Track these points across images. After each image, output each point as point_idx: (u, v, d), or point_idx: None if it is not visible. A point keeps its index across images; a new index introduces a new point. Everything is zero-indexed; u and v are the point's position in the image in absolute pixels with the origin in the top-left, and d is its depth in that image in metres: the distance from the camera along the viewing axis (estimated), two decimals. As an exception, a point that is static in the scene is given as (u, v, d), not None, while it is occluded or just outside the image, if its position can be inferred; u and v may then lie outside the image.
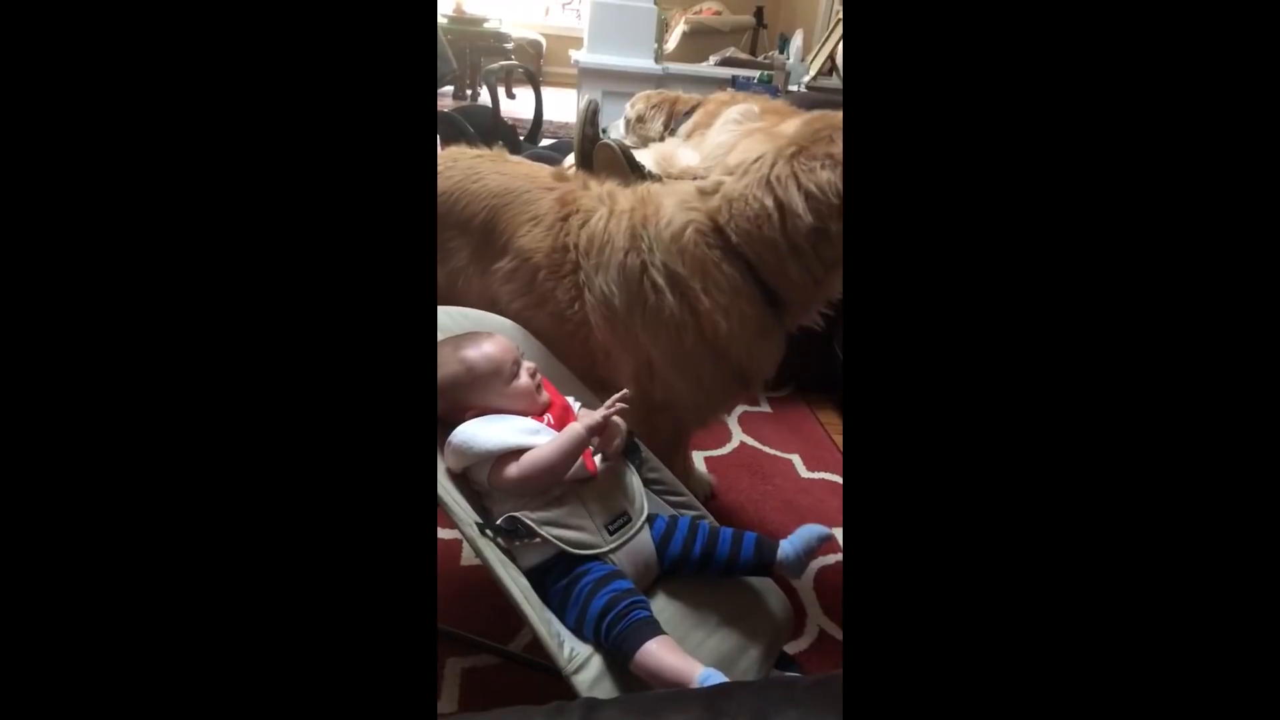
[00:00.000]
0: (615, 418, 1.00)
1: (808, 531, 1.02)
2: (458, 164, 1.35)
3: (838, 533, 1.50)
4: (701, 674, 0.82)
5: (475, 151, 1.39)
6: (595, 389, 1.20)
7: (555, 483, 0.95)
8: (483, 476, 0.96)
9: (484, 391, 0.99)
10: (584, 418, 0.99)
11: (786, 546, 1.01)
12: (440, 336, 1.08)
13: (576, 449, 0.96)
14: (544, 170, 1.34)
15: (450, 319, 1.13)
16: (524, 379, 1.02)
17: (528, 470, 0.94)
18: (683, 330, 1.15)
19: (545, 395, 1.04)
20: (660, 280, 1.14)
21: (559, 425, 1.02)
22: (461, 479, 0.98)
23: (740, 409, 1.97)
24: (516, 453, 0.94)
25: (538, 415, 1.02)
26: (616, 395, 1.01)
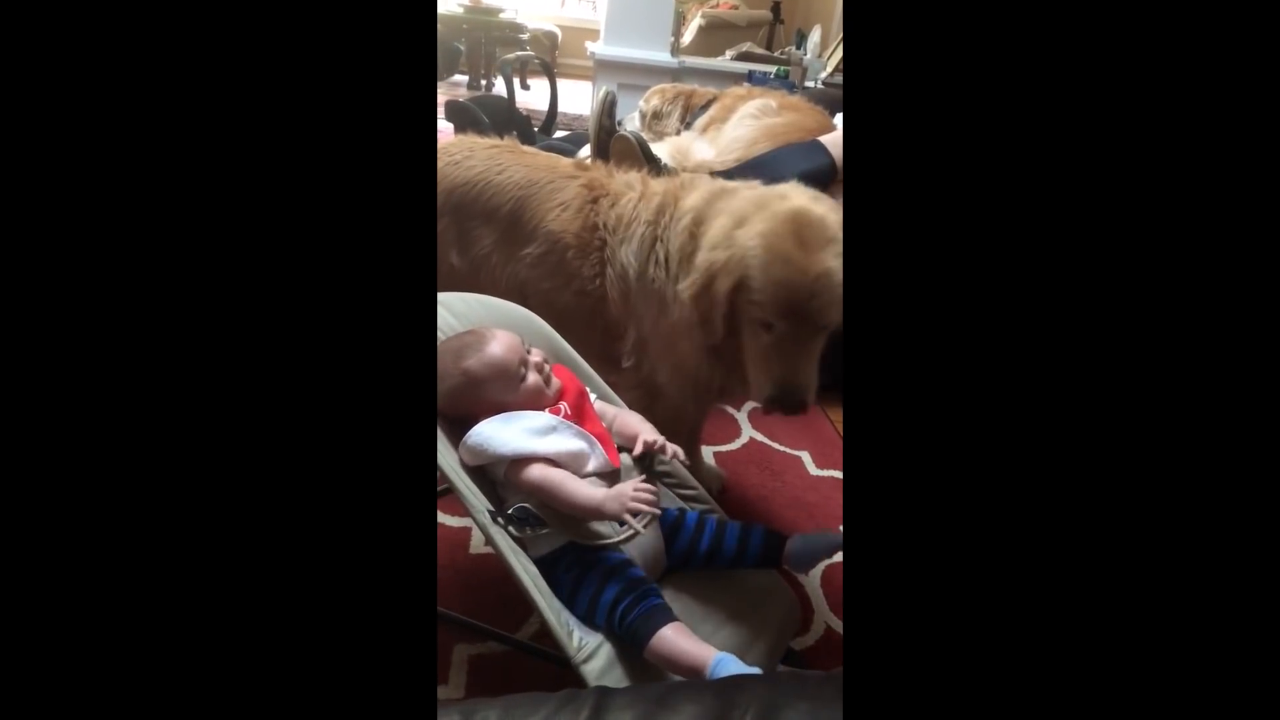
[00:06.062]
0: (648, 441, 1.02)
1: (823, 537, 1.03)
2: (475, 154, 1.36)
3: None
4: (715, 658, 0.82)
5: (490, 141, 1.41)
6: (609, 366, 1.26)
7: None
8: (499, 471, 0.97)
9: (489, 394, 0.99)
10: (625, 486, 0.94)
11: (798, 541, 1.01)
12: (454, 323, 1.09)
13: (599, 516, 0.94)
14: (564, 160, 1.38)
15: (466, 305, 1.13)
16: (531, 378, 1.00)
17: (547, 490, 0.93)
18: (667, 307, 1.23)
19: (556, 383, 1.04)
20: (661, 254, 1.23)
21: (575, 413, 1.02)
22: (476, 468, 0.98)
23: (750, 405, 1.96)
24: (532, 457, 0.94)
25: (550, 406, 1.02)
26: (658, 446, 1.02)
